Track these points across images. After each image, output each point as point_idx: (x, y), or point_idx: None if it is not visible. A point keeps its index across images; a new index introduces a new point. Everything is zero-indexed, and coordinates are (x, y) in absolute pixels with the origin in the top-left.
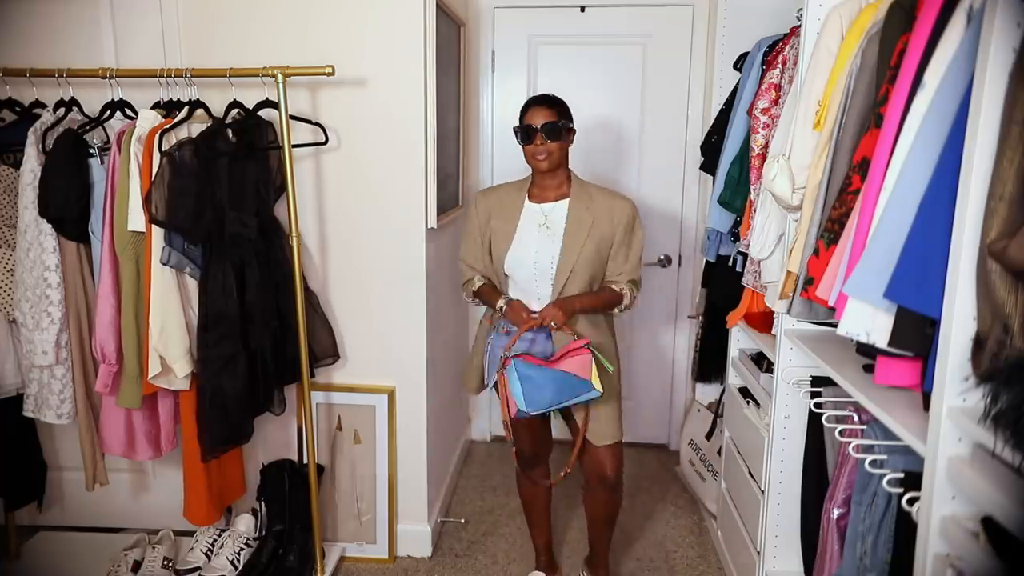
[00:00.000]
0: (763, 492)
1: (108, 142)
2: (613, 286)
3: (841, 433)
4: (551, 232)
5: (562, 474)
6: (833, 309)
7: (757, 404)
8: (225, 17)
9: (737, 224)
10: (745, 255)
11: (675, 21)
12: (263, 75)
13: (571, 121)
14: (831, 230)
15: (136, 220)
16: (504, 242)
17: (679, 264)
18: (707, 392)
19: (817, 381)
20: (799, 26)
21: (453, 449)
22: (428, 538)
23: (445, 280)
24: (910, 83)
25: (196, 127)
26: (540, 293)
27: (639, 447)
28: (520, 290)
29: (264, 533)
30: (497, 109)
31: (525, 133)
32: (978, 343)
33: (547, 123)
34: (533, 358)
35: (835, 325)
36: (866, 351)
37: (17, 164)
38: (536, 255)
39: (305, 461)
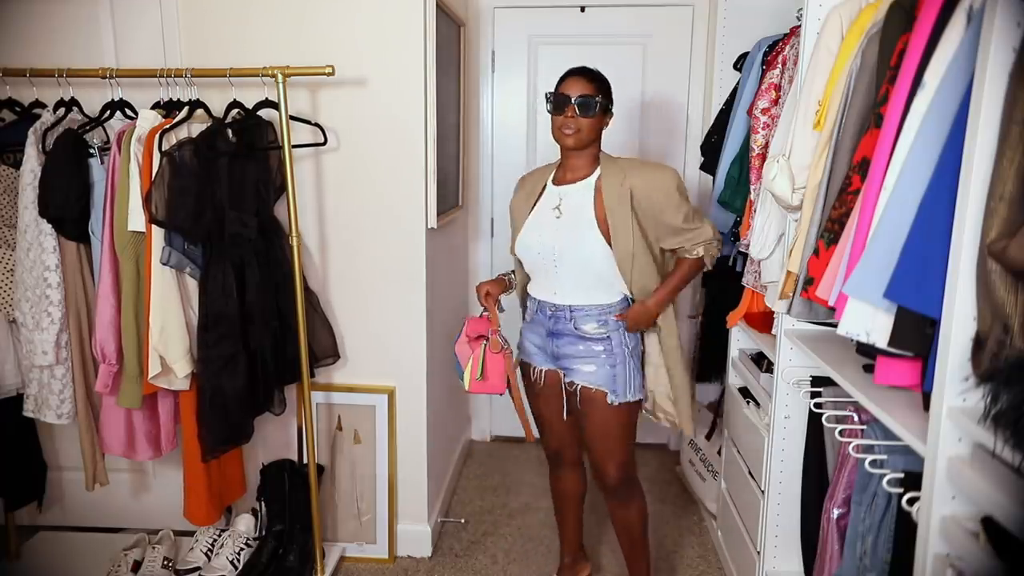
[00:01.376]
0: (763, 492)
1: (108, 142)
2: (687, 255)
3: (841, 433)
4: (561, 219)
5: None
6: (833, 309)
7: (757, 404)
8: (225, 17)
9: (737, 224)
10: (745, 255)
11: (675, 21)
12: (263, 75)
13: (610, 101)
14: (831, 230)
15: (136, 220)
16: (519, 224)
17: None
18: (707, 392)
19: (817, 381)
20: (799, 26)
21: (453, 449)
22: (428, 538)
23: (445, 280)
24: (910, 83)
25: (196, 127)
26: (547, 282)
27: (639, 447)
28: (531, 276)
29: (264, 533)
30: (497, 109)
31: (557, 102)
32: (978, 343)
33: (583, 96)
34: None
35: (835, 325)
36: (866, 351)
37: (17, 164)
38: (541, 243)
39: (305, 461)
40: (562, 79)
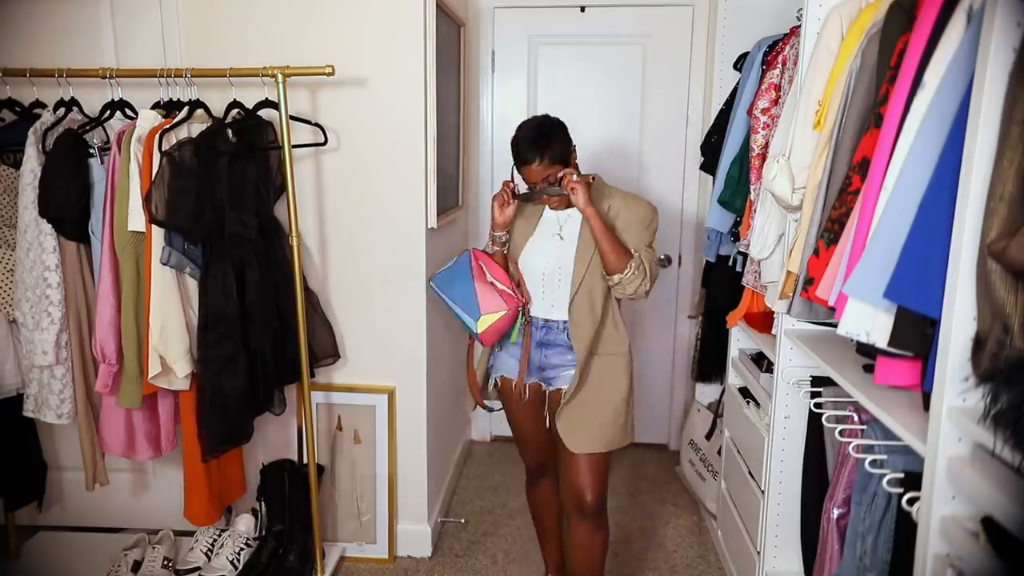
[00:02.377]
0: (763, 492)
1: (108, 142)
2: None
3: (841, 433)
4: (564, 242)
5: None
6: (833, 309)
7: (757, 404)
8: (225, 17)
9: (737, 224)
10: (745, 255)
11: (675, 21)
12: (263, 75)
13: (570, 146)
14: (831, 230)
15: (136, 220)
16: (520, 242)
17: (679, 264)
18: (707, 392)
19: (817, 381)
20: (799, 26)
21: (453, 449)
22: (428, 538)
23: None
24: (910, 83)
25: (196, 127)
26: (546, 298)
27: (639, 447)
28: (530, 292)
29: (264, 533)
30: (497, 109)
31: (527, 194)
32: (978, 343)
33: (547, 180)
34: (488, 259)
35: (835, 325)
36: (866, 351)
37: (17, 164)
38: (546, 263)
39: (305, 461)
40: (521, 161)
